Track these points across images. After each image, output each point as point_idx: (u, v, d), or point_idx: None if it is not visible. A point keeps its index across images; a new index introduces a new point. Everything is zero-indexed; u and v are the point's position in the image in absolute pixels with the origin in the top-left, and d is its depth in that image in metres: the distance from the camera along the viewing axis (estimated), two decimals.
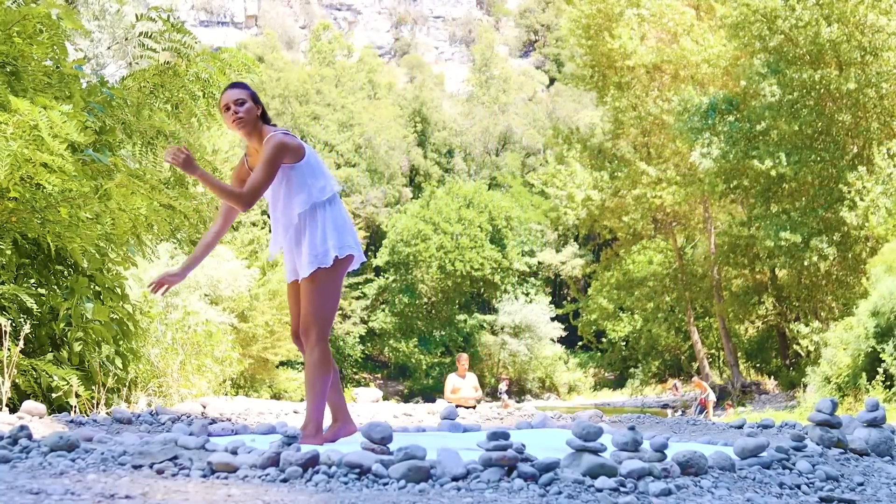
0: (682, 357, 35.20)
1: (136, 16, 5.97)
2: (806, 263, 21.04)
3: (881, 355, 14.57)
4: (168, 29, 5.81)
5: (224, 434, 4.11)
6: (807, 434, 3.41)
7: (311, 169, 3.55)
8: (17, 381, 4.86)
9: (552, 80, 58.35)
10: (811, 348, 21.29)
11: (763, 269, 26.76)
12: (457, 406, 7.55)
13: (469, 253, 39.14)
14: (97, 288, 5.96)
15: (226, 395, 9.94)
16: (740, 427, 4.84)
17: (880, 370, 14.56)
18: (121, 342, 5.96)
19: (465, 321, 39.84)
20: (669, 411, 23.88)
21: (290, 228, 3.57)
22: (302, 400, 23.08)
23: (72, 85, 5.48)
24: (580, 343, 39.58)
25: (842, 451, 3.32)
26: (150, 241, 6.00)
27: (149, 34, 5.95)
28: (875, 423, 3.51)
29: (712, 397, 19.96)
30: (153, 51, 5.96)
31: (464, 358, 10.75)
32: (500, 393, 34.49)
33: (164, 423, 4.50)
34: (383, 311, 40.77)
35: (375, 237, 44.28)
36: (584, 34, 27.58)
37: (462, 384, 10.28)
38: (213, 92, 5.95)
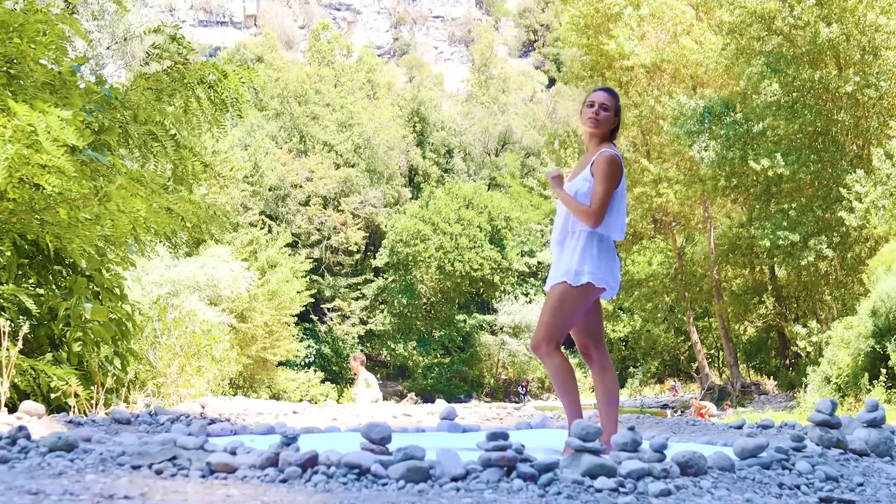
0: (682, 357, 35.19)
1: (144, 32, 6.05)
2: (804, 263, 21.01)
3: (888, 351, 14.50)
4: (167, 41, 5.84)
5: (223, 434, 4.11)
6: (806, 434, 3.40)
7: (613, 202, 3.61)
8: (16, 381, 4.85)
9: (552, 80, 58.35)
10: (809, 349, 21.27)
11: (762, 269, 26.74)
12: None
13: (468, 253, 39.10)
14: (96, 288, 5.95)
15: (224, 395, 9.92)
16: (740, 427, 4.85)
17: (883, 370, 14.52)
18: (119, 342, 5.95)
19: (465, 321, 39.82)
20: (669, 412, 23.88)
21: (566, 237, 3.65)
22: (301, 400, 23.07)
23: (70, 87, 5.46)
24: None
25: (841, 451, 3.32)
26: (148, 242, 5.99)
27: (155, 45, 5.98)
28: (875, 424, 3.51)
29: (713, 410, 19.92)
30: (159, 59, 5.99)
31: (352, 359, 10.08)
32: (521, 395, 34.63)
33: (162, 424, 4.49)
34: (382, 311, 40.73)
35: (374, 237, 44.21)
36: (583, 34, 27.56)
37: (357, 388, 9.72)
38: (216, 98, 5.98)
